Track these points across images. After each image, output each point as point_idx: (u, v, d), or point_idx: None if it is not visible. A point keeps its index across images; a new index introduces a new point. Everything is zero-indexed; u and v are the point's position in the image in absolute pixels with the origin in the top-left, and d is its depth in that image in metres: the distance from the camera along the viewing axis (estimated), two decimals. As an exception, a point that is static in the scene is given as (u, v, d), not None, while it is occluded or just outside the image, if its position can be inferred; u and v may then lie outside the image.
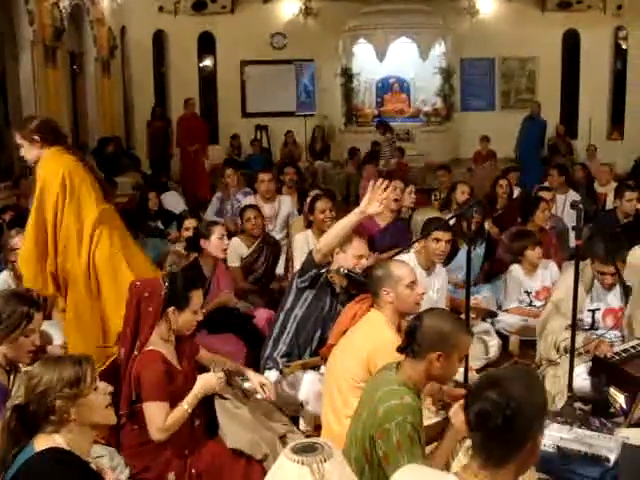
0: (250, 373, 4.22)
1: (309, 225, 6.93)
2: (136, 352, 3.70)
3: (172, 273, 4.03)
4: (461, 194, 8.03)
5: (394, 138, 14.67)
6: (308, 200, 7.22)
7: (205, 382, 3.69)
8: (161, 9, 16.35)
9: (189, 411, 3.62)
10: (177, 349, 3.86)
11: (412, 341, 3.29)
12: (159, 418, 3.55)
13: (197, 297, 3.82)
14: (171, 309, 3.72)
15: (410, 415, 3.10)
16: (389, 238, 6.89)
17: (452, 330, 3.24)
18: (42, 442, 2.69)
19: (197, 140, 13.46)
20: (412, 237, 6.95)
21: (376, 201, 4.43)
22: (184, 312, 3.76)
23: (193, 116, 13.78)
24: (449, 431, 3.30)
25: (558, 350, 4.98)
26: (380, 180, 4.45)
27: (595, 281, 5.19)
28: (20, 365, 3.65)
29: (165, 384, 3.61)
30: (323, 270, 4.83)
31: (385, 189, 4.46)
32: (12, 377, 3.51)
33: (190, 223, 7.11)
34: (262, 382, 4.13)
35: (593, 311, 5.19)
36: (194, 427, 3.77)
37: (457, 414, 3.21)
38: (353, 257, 4.93)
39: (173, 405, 3.64)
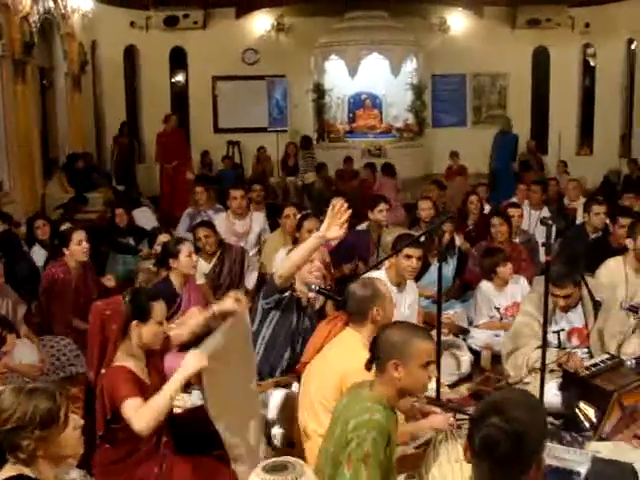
0: (224, 302, 4.09)
1: (294, 242, 6.97)
2: (103, 370, 3.65)
3: (131, 288, 4.00)
4: (422, 210, 8.03)
5: (311, 153, 15.33)
6: (292, 218, 7.22)
7: (188, 361, 3.57)
8: (132, 24, 16.26)
9: (173, 396, 3.53)
10: (147, 365, 3.82)
11: (374, 354, 3.32)
12: (131, 413, 3.49)
13: (159, 308, 3.78)
14: (134, 323, 3.69)
15: (375, 432, 3.08)
16: (345, 252, 6.91)
17: (405, 337, 3.24)
18: (7, 472, 2.63)
19: (178, 156, 13.37)
20: (375, 251, 7.02)
21: (335, 225, 4.33)
22: (147, 324, 3.71)
23: (173, 132, 13.66)
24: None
25: (530, 371, 5.01)
26: (339, 203, 4.36)
27: None
28: None
29: (134, 382, 3.57)
30: (286, 294, 4.82)
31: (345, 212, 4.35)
32: None
33: (165, 238, 7.10)
34: (236, 297, 4.02)
35: (558, 332, 5.22)
36: (161, 443, 3.73)
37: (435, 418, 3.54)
38: (307, 263, 4.94)
39: None
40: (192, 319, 4.30)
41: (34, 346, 5.92)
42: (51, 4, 12.57)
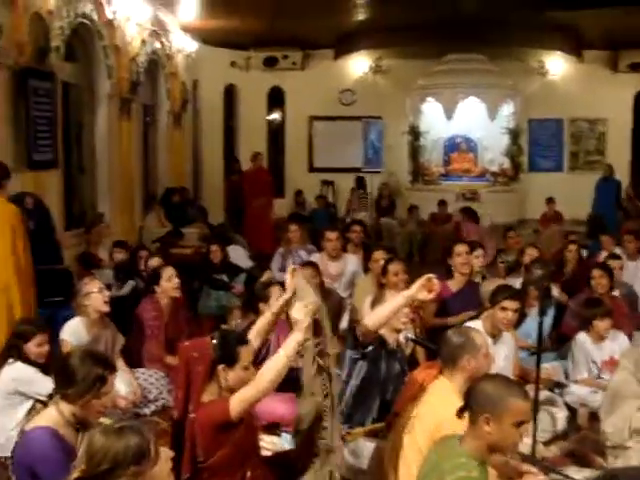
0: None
1: (381, 287, 6.89)
2: (192, 415, 3.64)
3: (219, 331, 4.01)
4: (529, 257, 7.91)
5: (364, 194, 15.91)
6: (381, 262, 7.16)
7: (300, 322, 3.65)
8: (233, 64, 16.75)
9: (290, 355, 3.59)
10: None
11: (466, 405, 3.26)
12: (246, 392, 3.56)
13: (246, 353, 3.76)
14: (221, 367, 3.67)
15: None
16: (460, 303, 6.84)
17: (500, 393, 3.17)
18: None
19: (263, 194, 13.57)
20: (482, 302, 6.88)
21: (426, 289, 4.41)
22: (234, 369, 3.69)
23: (260, 170, 13.89)
24: None
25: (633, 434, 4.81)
26: (432, 276, 4.43)
27: None
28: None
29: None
30: (370, 348, 4.78)
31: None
32: (81, 436, 3.52)
33: (269, 275, 7.09)
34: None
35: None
36: (245, 478, 3.70)
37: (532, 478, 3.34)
38: None
39: (241, 454, 3.63)
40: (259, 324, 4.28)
41: (128, 378, 6.03)
42: (157, 45, 13.03)
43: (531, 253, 7.92)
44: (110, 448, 2.68)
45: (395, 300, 4.61)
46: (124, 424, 2.80)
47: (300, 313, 3.62)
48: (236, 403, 3.53)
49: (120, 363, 6.13)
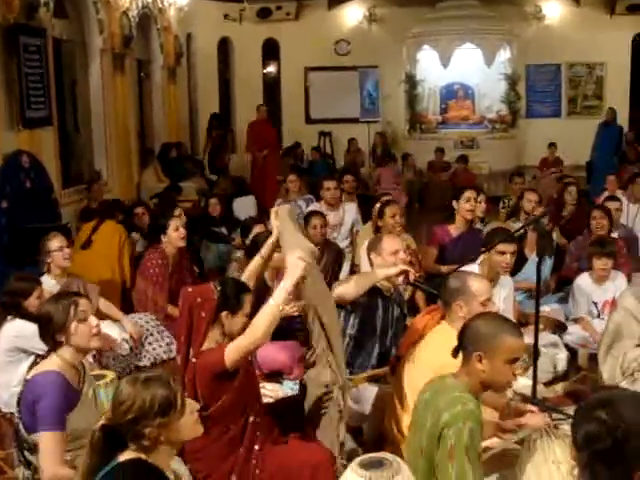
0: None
1: (377, 230, 6.91)
2: (193, 359, 3.67)
3: (223, 278, 4.02)
4: (528, 202, 7.89)
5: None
6: (377, 205, 7.19)
7: (290, 270, 3.57)
8: (226, 17, 16.52)
9: (280, 303, 3.54)
10: None
11: (460, 344, 3.28)
12: (240, 342, 3.57)
13: (249, 300, 3.79)
14: (224, 313, 3.69)
15: (471, 422, 3.04)
16: (461, 248, 6.84)
17: (492, 330, 3.17)
18: (126, 456, 2.70)
19: (267, 146, 13.58)
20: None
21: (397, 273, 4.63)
22: (237, 316, 3.71)
23: (264, 122, 13.90)
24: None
25: (627, 373, 4.84)
26: (411, 270, 4.65)
27: None
28: (86, 365, 3.78)
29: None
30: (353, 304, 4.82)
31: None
32: (82, 377, 3.64)
33: (260, 229, 7.09)
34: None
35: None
36: (248, 424, 3.73)
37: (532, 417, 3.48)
38: (389, 255, 4.91)
39: (242, 402, 3.68)
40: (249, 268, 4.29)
41: (124, 324, 6.07)
42: (149, -1, 12.87)
43: (530, 197, 7.88)
44: (136, 398, 2.69)
45: (373, 275, 4.72)
46: (151, 375, 2.80)
47: (293, 263, 3.60)
48: (231, 353, 3.55)
49: (112, 310, 6.19)
